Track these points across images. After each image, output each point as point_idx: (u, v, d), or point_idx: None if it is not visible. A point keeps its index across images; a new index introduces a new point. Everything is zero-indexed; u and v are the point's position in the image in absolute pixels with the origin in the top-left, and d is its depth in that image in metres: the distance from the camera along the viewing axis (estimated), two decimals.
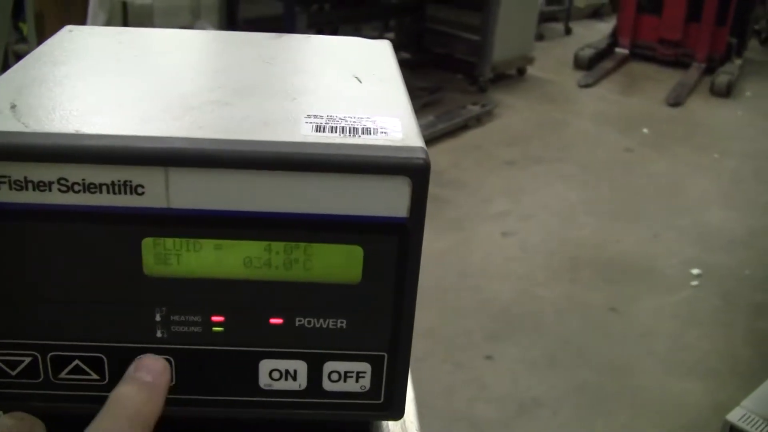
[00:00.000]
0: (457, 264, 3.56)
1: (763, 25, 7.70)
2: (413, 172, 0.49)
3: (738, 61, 6.60)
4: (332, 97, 0.59)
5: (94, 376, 0.55)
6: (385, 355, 0.56)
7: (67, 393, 0.55)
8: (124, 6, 4.03)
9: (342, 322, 0.54)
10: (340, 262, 0.52)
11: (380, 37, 6.01)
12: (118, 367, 0.54)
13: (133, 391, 0.51)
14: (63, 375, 0.55)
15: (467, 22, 5.80)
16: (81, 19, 3.68)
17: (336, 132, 0.51)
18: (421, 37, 6.10)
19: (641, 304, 3.35)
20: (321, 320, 0.54)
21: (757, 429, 2.13)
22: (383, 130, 0.51)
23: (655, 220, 4.09)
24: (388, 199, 0.50)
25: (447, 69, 6.02)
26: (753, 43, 7.52)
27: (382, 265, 0.52)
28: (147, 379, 0.52)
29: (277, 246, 0.51)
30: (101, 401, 0.53)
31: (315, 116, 0.53)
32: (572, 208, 4.16)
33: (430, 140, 4.72)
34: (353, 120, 0.52)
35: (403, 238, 0.51)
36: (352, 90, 0.61)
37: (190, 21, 4.58)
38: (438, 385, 2.77)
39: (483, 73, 5.73)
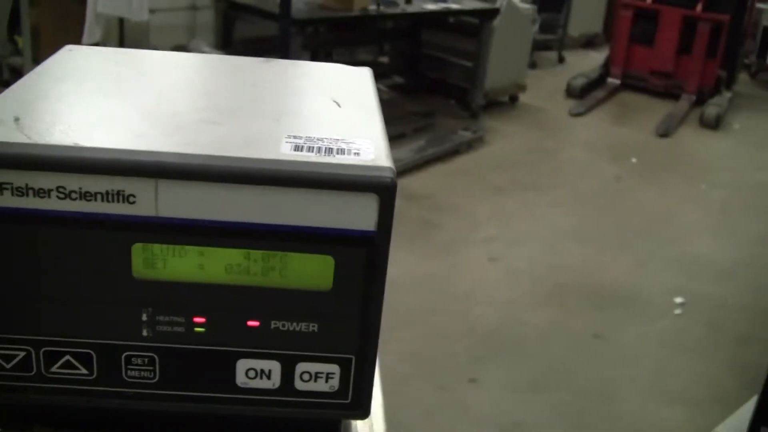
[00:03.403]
0: (444, 288, 3.58)
1: (753, 59, 7.76)
2: (381, 189, 0.54)
3: (727, 94, 6.66)
4: (312, 119, 0.63)
5: (84, 371, 0.59)
6: (353, 357, 0.60)
7: (58, 386, 0.59)
8: (121, 22, 4.06)
9: (314, 326, 0.58)
10: (313, 271, 0.56)
11: (375, 60, 6.06)
12: (107, 362, 0.58)
13: None
14: (54, 369, 0.59)
15: (461, 49, 5.84)
16: (77, 34, 3.71)
17: (313, 151, 0.55)
18: (415, 61, 6.14)
19: (626, 331, 3.38)
20: (294, 324, 0.58)
21: None
22: (356, 151, 0.56)
23: (641, 248, 4.13)
24: (357, 214, 0.54)
25: (440, 94, 6.06)
26: (743, 77, 7.58)
27: (352, 274, 0.56)
28: None
29: (256, 254, 0.56)
30: (90, 395, 0.57)
31: (295, 137, 0.57)
32: (560, 234, 4.19)
33: (420, 164, 4.76)
34: (330, 141, 0.57)
35: (371, 249, 0.56)
36: (331, 113, 0.65)
37: (185, 39, 4.62)
38: (421, 407, 2.80)
39: (475, 99, 5.77)
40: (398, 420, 2.68)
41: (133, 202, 0.53)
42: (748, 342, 3.35)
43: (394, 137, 5.04)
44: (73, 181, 0.53)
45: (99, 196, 0.53)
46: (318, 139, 0.57)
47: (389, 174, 0.54)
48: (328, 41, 5.62)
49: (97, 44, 3.71)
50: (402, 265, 3.65)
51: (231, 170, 0.53)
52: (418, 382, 2.93)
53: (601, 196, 4.79)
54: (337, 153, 0.55)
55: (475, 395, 2.89)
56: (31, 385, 0.59)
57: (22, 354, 0.58)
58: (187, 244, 0.55)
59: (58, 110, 0.59)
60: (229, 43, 5.01)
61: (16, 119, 0.56)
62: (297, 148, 0.55)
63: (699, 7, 6.50)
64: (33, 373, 0.59)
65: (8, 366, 0.59)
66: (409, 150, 4.85)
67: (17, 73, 3.94)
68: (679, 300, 3.62)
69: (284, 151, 0.55)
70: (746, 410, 2.29)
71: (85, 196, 0.53)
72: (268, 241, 0.55)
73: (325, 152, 0.55)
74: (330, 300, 0.57)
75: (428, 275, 3.64)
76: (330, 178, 0.53)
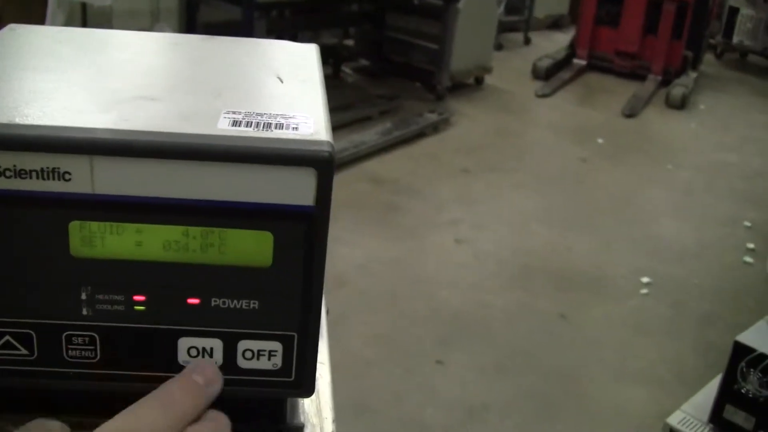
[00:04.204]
0: (410, 271, 3.59)
1: (719, 40, 7.81)
2: (319, 163, 0.53)
3: (693, 74, 6.70)
4: (253, 94, 0.63)
5: (24, 351, 0.58)
6: (295, 335, 0.59)
7: None
8: (84, 8, 4.03)
9: (254, 303, 0.58)
10: (252, 247, 0.56)
11: (340, 44, 6.06)
12: (47, 342, 0.58)
13: (184, 390, 0.55)
14: None
15: (426, 31, 5.84)
16: (40, 20, 3.68)
17: (251, 126, 0.55)
18: (380, 44, 6.13)
19: (591, 312, 3.40)
20: (235, 301, 0.58)
21: (695, 431, 2.19)
22: (295, 126, 0.55)
23: (607, 229, 4.15)
24: (295, 189, 0.54)
25: (405, 77, 6.07)
26: (709, 57, 7.63)
27: (291, 250, 0.56)
28: (199, 381, 0.57)
29: (194, 231, 0.55)
30: (31, 375, 0.57)
31: (234, 112, 0.57)
32: (525, 216, 4.20)
33: (386, 147, 4.76)
34: (269, 116, 0.57)
35: (310, 225, 0.55)
36: (273, 89, 0.65)
37: (149, 24, 4.59)
38: (388, 390, 2.80)
39: (441, 81, 5.78)
40: (366, 403, 2.70)
41: (69, 180, 0.53)
42: (712, 321, 3.38)
43: (359, 120, 5.06)
44: (7, 159, 0.52)
45: (34, 174, 0.52)
46: (257, 114, 0.57)
47: (327, 148, 0.53)
48: (292, 25, 5.60)
49: None
50: (368, 249, 3.65)
51: (166, 146, 0.52)
52: (385, 365, 2.94)
53: (567, 177, 4.81)
54: (276, 128, 0.55)
55: (442, 378, 2.90)
56: None
57: None
58: (125, 222, 0.54)
59: None
60: (193, 28, 4.98)
61: None
62: (235, 123, 0.55)
63: None
64: None
65: None
66: (375, 133, 4.85)
67: None
68: (645, 280, 3.64)
69: (222, 126, 0.54)
70: (710, 389, 2.32)
71: (20, 173, 0.52)
72: (206, 217, 0.54)
73: (263, 127, 0.55)
74: (270, 276, 0.57)
75: (394, 258, 3.64)
76: (267, 152, 0.53)
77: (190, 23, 5.00)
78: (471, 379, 2.91)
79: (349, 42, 6.37)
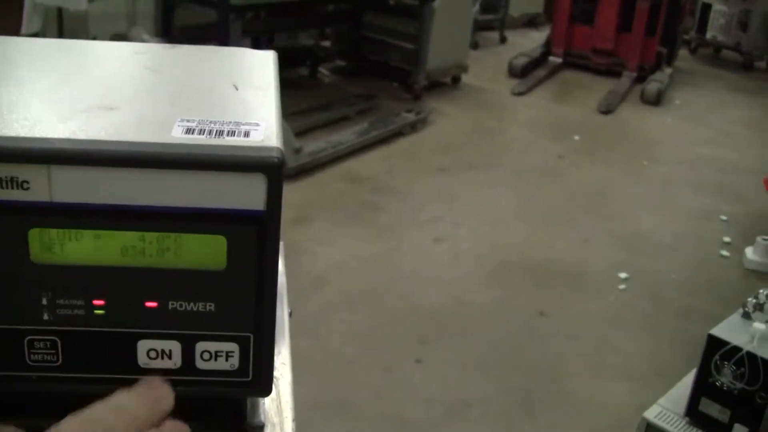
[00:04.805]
0: (389, 269, 3.59)
1: (693, 35, 7.85)
2: (268, 169, 0.55)
3: (668, 70, 6.73)
4: (208, 102, 0.64)
5: None
6: (251, 335, 0.61)
7: None
8: (60, 12, 4.03)
9: (210, 306, 0.60)
10: (206, 251, 0.58)
11: (317, 44, 6.06)
12: (9, 347, 0.59)
13: (136, 397, 0.56)
14: None
15: (403, 31, 5.85)
16: (16, 25, 3.67)
17: (204, 134, 0.56)
18: (357, 44, 6.14)
19: (569, 308, 3.41)
20: (192, 304, 0.59)
21: (671, 425, 2.20)
22: (246, 133, 0.57)
23: (585, 225, 4.16)
24: (246, 194, 0.56)
25: (382, 76, 6.07)
26: (683, 53, 7.66)
27: (244, 253, 0.58)
28: (149, 394, 0.57)
29: (151, 236, 0.57)
30: None
31: (188, 120, 0.58)
32: (504, 214, 4.21)
33: (364, 147, 4.77)
34: (221, 123, 0.58)
35: (262, 228, 0.57)
36: (227, 96, 0.67)
37: (125, 27, 4.58)
38: (368, 387, 2.81)
39: (418, 80, 5.78)
40: (346, 400, 2.71)
41: (27, 188, 0.54)
42: (690, 315, 3.40)
43: (337, 120, 5.06)
44: None
45: None
46: (210, 122, 0.58)
47: (276, 154, 0.55)
48: (268, 26, 5.60)
49: (36, 34, 3.69)
50: (346, 248, 3.66)
51: (122, 154, 0.54)
52: (365, 363, 2.95)
53: (544, 174, 4.82)
54: (228, 135, 0.56)
55: (422, 375, 2.91)
56: None
57: None
58: (83, 228, 0.56)
59: None
60: (169, 31, 4.97)
61: None
62: (188, 131, 0.56)
63: None
64: None
65: None
66: (352, 133, 4.85)
67: None
68: (623, 275, 3.66)
69: (175, 135, 0.56)
70: (686, 382, 2.34)
71: None
72: (162, 222, 0.56)
73: (215, 134, 0.56)
74: (225, 279, 0.59)
75: (373, 257, 3.65)
76: (218, 159, 0.54)
77: (166, 26, 4.99)
78: (451, 376, 2.92)
79: (326, 43, 6.37)
